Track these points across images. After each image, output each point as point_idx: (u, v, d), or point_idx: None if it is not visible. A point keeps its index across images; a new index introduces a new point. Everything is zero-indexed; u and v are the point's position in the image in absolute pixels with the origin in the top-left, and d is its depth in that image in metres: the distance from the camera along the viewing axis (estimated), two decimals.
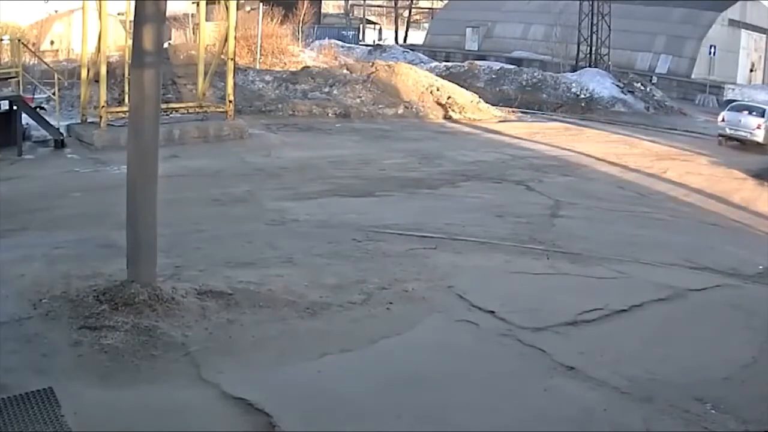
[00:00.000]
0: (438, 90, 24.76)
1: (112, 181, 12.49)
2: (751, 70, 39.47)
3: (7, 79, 16.59)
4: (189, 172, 14.44)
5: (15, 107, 15.79)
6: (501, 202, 13.25)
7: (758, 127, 22.20)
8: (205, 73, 19.34)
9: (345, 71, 25.71)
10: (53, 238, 9.95)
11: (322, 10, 51.32)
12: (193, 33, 29.06)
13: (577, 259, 10.16)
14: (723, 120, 22.77)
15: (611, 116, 27.27)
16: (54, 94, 17.65)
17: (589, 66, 32.39)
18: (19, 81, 16.22)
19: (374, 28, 57.24)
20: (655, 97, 30.38)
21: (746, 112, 22.77)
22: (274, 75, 25.00)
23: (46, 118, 16.76)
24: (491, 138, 20.76)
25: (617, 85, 30.21)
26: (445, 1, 52.28)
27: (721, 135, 22.52)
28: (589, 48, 33.02)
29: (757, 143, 21.86)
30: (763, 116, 22.50)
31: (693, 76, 35.40)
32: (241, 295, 8.01)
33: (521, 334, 7.57)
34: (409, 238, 10.59)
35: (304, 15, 36.69)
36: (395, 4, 58.29)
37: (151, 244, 7.89)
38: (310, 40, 36.88)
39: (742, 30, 38.30)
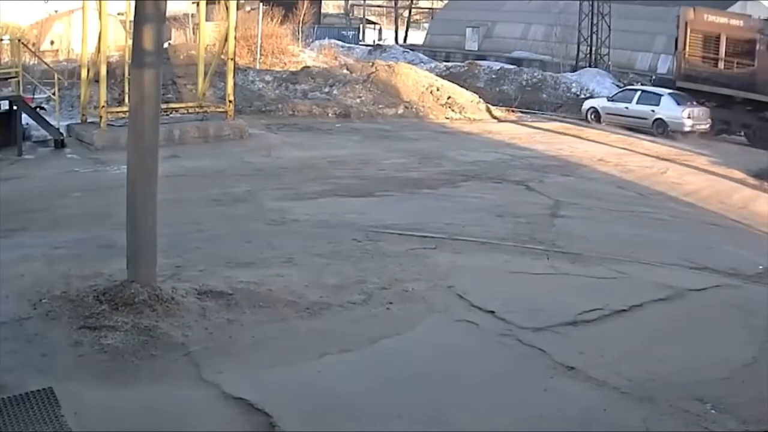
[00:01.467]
0: (438, 90, 24.74)
1: (112, 181, 12.50)
2: None
3: (7, 79, 16.59)
4: (189, 172, 14.44)
5: (15, 107, 15.81)
6: (501, 202, 13.25)
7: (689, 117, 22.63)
8: (205, 73, 19.35)
9: (345, 71, 25.71)
10: (53, 238, 9.95)
11: (322, 10, 51.29)
12: (193, 33, 29.05)
13: (577, 259, 10.16)
14: (689, 117, 22.60)
15: None
16: (54, 94, 17.66)
17: (589, 66, 32.34)
18: (19, 81, 16.22)
19: (374, 28, 57.21)
20: None
21: (675, 102, 22.84)
22: (274, 75, 25.00)
23: (46, 118, 16.78)
24: (491, 138, 20.76)
25: (617, 85, 30.14)
26: (445, 1, 52.26)
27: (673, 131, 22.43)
28: (589, 48, 32.98)
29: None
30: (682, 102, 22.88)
31: None
32: (241, 295, 8.02)
33: (521, 334, 7.57)
34: (409, 238, 10.59)
35: (304, 15, 36.67)
36: (395, 4, 58.25)
37: (151, 244, 7.89)
38: (310, 40, 36.85)
39: None
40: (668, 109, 22.82)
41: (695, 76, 24.57)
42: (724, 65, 24.24)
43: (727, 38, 24.28)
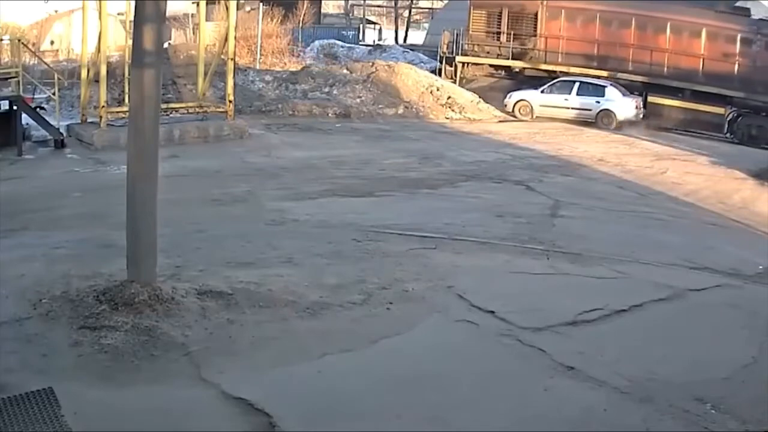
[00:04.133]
0: (438, 90, 24.76)
1: (112, 181, 12.50)
2: None
3: (7, 79, 16.60)
4: (189, 172, 14.45)
5: (15, 107, 15.81)
6: (501, 202, 13.25)
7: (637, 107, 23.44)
8: (205, 73, 19.36)
9: (345, 71, 25.71)
10: (53, 238, 9.95)
11: (322, 10, 51.26)
12: (193, 33, 29.11)
13: (577, 259, 10.16)
14: (637, 107, 23.19)
15: None
16: (54, 94, 17.67)
17: None
18: (19, 81, 16.23)
19: (374, 28, 57.14)
20: None
21: (620, 92, 23.21)
22: (274, 75, 25.03)
23: (46, 118, 16.79)
24: (491, 138, 20.77)
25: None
26: (445, 1, 52.23)
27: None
28: None
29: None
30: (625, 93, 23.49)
31: None
32: (241, 295, 8.01)
33: (521, 334, 7.57)
34: (409, 238, 10.59)
35: (304, 15, 36.71)
36: (395, 4, 58.23)
37: (151, 244, 7.89)
38: (311, 39, 36.85)
39: None
40: (616, 99, 22.87)
41: (477, 51, 26.59)
42: (506, 38, 25.95)
43: (509, 12, 25.93)
